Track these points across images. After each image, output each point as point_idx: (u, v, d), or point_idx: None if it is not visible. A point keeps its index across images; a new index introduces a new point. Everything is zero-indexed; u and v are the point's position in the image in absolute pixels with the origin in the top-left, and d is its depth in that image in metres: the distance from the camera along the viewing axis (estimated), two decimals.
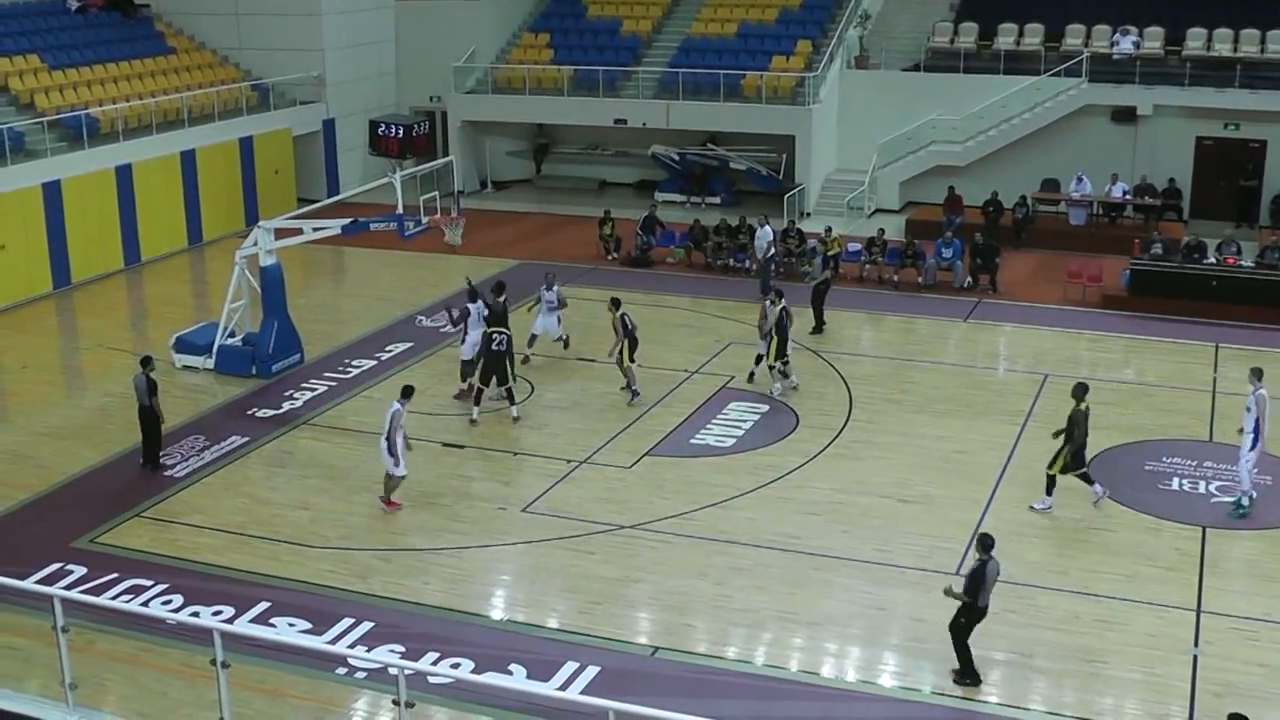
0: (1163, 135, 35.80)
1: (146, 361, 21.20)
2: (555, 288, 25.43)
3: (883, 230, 31.85)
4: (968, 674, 15.18)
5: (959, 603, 15.09)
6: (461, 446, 21.95)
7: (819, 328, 27.42)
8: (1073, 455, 19.11)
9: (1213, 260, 29.27)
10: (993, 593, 15.11)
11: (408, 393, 19.68)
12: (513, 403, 22.87)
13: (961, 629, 15.16)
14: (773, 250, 30.41)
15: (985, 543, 15.05)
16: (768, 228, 30.95)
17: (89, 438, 22.48)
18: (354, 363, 25.97)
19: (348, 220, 25.19)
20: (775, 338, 23.72)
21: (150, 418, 21.04)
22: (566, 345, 25.90)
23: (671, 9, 42.35)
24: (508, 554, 18.51)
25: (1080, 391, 19.18)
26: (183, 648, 15.34)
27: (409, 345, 26.78)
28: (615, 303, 24.04)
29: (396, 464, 19.22)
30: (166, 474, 20.96)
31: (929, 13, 40.33)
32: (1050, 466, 19.30)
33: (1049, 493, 19.31)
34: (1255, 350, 26.30)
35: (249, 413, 23.56)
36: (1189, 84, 35.46)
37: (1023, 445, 21.59)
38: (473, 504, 19.95)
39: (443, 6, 41.99)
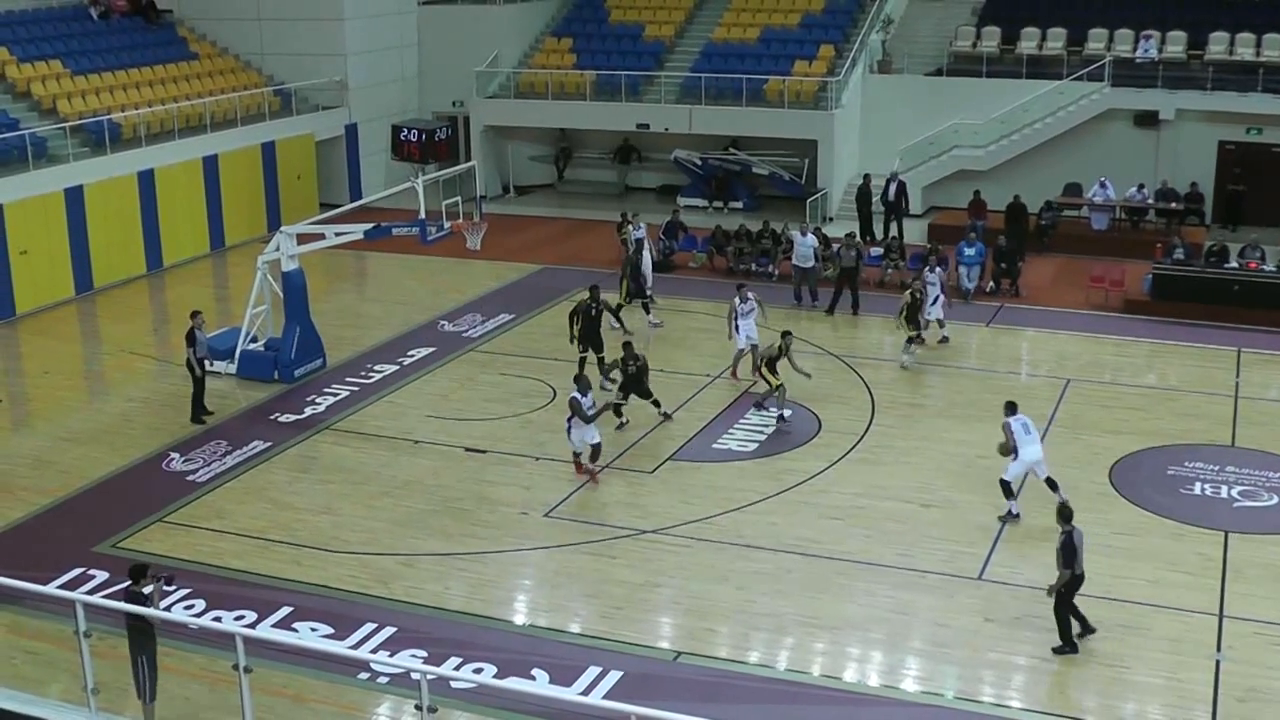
0: (1185, 140, 35.64)
1: (195, 315, 23.48)
2: (752, 296, 24.76)
3: (897, 237, 31.66)
4: (1066, 643, 15.66)
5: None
6: (483, 451, 21.95)
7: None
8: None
9: (1235, 265, 29.15)
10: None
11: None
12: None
13: (1062, 598, 15.59)
14: (814, 262, 29.71)
15: (1065, 513, 15.70)
16: (810, 235, 29.99)
17: (111, 443, 22.55)
18: (376, 367, 26.00)
19: (370, 225, 25.23)
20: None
21: (194, 376, 23.27)
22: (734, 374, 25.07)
23: (694, 14, 42.32)
24: (530, 559, 18.53)
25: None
26: (205, 652, 15.41)
27: (431, 350, 26.81)
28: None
29: None
30: (188, 479, 21.03)
31: (951, 17, 40.25)
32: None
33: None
34: (1278, 355, 26.21)
35: (271, 418, 23.61)
36: (1211, 88, 35.31)
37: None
38: (495, 509, 19.96)
39: (465, 11, 42.11)
